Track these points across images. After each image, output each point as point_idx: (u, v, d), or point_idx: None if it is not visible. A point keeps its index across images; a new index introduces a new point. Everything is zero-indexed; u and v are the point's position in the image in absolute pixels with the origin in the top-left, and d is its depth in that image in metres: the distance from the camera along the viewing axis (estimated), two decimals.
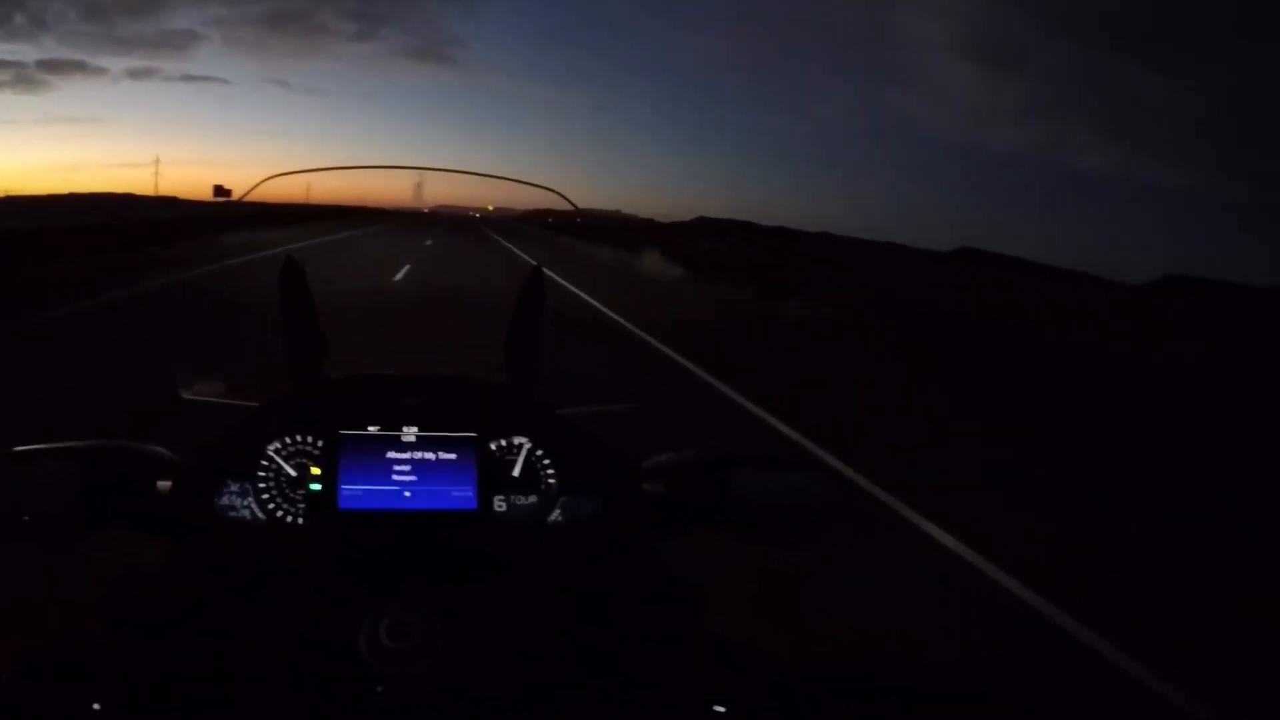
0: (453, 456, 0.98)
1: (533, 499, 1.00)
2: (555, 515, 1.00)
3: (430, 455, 0.98)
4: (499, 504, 0.99)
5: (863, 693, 0.75)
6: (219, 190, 9.70)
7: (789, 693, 0.77)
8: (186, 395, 1.20)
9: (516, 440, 1.02)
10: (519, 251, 27.59)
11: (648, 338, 9.69)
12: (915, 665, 0.76)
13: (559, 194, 1.32)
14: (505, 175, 1.29)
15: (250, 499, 0.93)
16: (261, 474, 0.94)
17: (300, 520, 0.94)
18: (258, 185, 1.27)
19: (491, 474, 0.99)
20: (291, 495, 0.94)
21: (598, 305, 12.62)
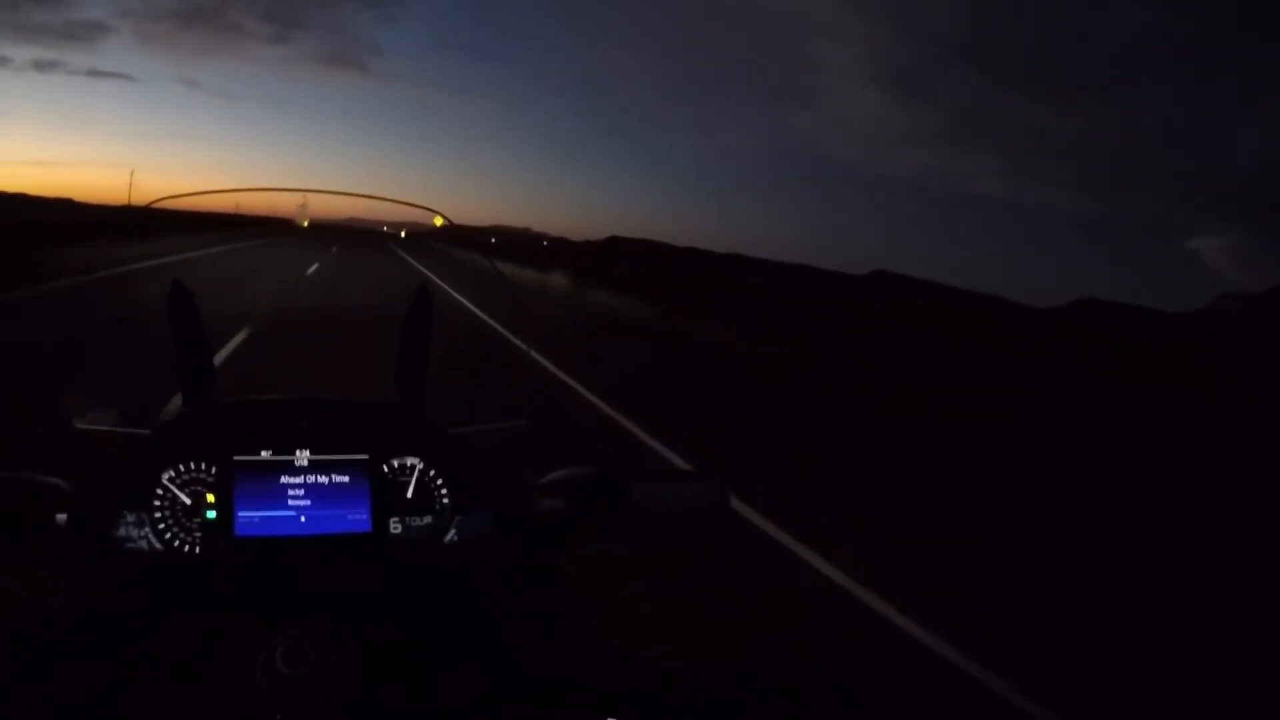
0: (346, 479, 0.99)
1: (428, 519, 1.01)
2: (451, 535, 1.01)
3: (324, 479, 0.98)
4: (394, 525, 1.00)
5: (749, 698, 0.77)
6: None
7: (677, 701, 0.79)
8: (80, 425, 1.17)
9: (409, 461, 1.03)
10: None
11: None
12: (798, 668, 0.79)
13: (438, 212, 1.34)
14: (386, 196, 1.29)
15: (147, 529, 0.92)
16: (157, 503, 0.93)
17: (197, 549, 0.93)
18: (160, 200, 1.25)
19: (385, 496, 1.00)
20: (188, 524, 0.93)
21: None
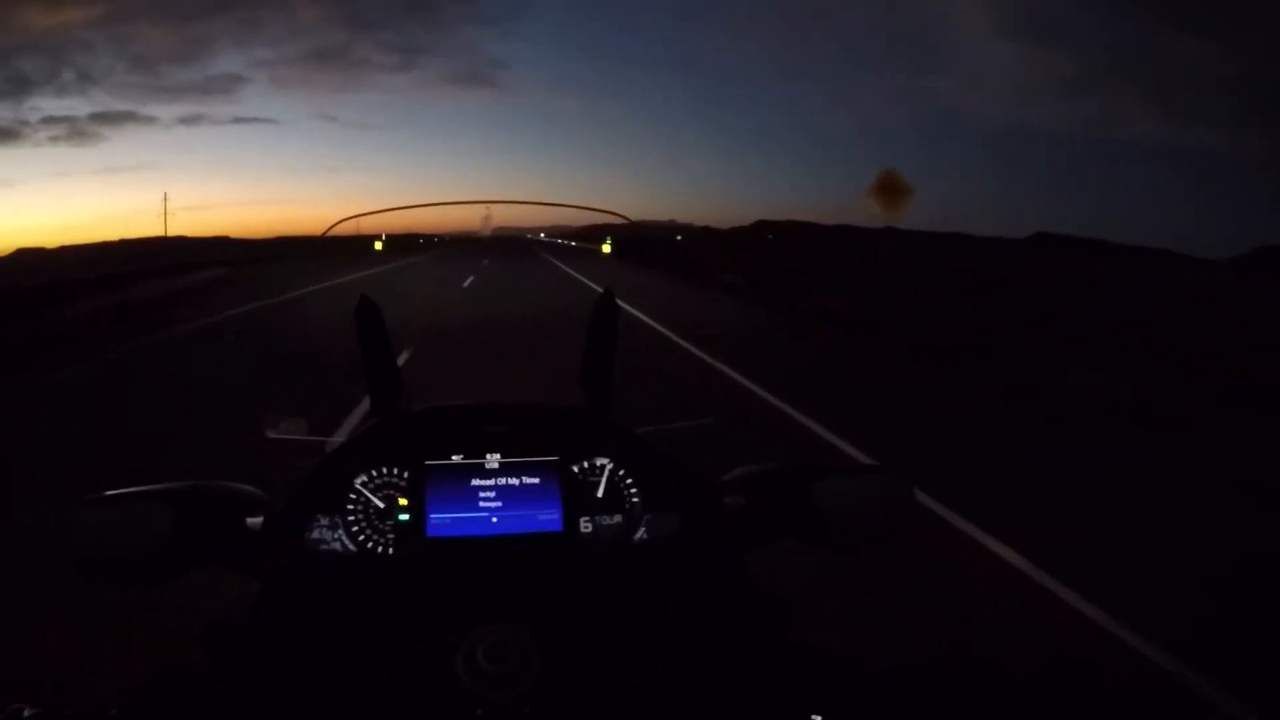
0: (536, 481, 0.99)
1: (617, 519, 1.00)
2: (640, 534, 1.00)
3: (514, 480, 0.99)
4: (585, 525, 0.99)
5: (954, 697, 0.74)
6: None
7: (883, 700, 0.76)
8: (272, 435, 1.23)
9: (599, 462, 1.02)
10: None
11: None
12: (999, 669, 0.76)
13: (614, 213, 1.38)
14: (561, 202, 1.33)
15: (340, 532, 0.95)
16: (350, 507, 0.96)
17: (390, 550, 0.95)
18: (336, 224, 1.37)
19: (576, 496, 1.00)
20: (380, 526, 0.95)
21: None
